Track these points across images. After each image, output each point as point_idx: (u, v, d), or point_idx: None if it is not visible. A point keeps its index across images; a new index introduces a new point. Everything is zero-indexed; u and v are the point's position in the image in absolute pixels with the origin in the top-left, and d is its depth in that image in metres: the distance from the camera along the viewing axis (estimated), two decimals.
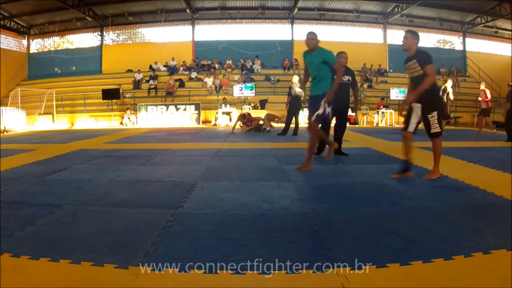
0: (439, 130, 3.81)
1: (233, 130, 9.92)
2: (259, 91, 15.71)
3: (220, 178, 3.93)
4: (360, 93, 13.81)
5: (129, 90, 17.24)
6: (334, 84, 4.07)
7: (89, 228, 2.35)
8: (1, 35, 18.52)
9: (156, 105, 15.21)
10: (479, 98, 9.79)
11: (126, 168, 4.50)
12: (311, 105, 4.21)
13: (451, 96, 9.22)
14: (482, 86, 9.75)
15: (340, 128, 5.63)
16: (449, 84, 9.08)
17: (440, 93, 9.05)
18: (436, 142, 3.89)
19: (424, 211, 2.69)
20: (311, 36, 4.31)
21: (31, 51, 20.86)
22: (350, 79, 5.36)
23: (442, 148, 3.90)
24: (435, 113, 3.73)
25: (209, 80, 17.02)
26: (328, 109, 4.12)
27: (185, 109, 14.81)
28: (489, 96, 9.63)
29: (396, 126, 13.79)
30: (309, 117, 4.23)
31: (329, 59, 4.14)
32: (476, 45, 20.96)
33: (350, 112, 11.94)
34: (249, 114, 10.64)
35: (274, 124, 10.50)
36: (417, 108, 3.76)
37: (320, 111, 4.07)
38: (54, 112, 15.79)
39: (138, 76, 17.76)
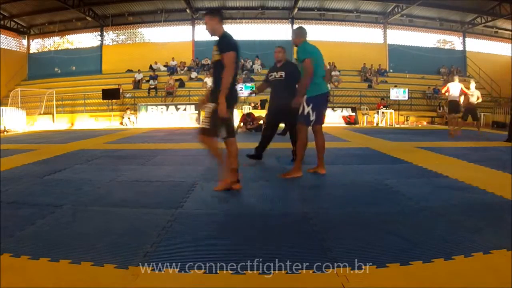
0: (207, 127, 3.14)
1: (237, 131, 9.97)
2: None
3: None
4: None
5: (129, 90, 17.23)
6: (301, 87, 3.78)
7: (89, 228, 2.35)
8: (1, 35, 18.52)
9: (156, 105, 15.20)
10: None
11: (126, 168, 4.50)
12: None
13: (473, 95, 8.95)
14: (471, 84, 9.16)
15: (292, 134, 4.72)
16: (472, 85, 9.03)
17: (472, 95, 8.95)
18: (205, 140, 3.20)
19: (424, 211, 2.69)
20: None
21: (31, 51, 20.84)
22: (283, 75, 4.64)
23: (225, 151, 3.28)
24: (210, 105, 3.14)
25: (209, 80, 16.99)
26: (308, 108, 3.79)
27: (185, 109, 14.82)
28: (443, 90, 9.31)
29: (396, 126, 13.80)
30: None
31: (299, 56, 3.78)
32: (476, 45, 20.96)
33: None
34: (252, 114, 10.73)
35: None
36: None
37: (300, 110, 3.82)
38: (54, 112, 15.79)
39: (138, 76, 17.75)
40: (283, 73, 4.67)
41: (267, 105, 15.07)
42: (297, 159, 3.86)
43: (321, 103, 3.88)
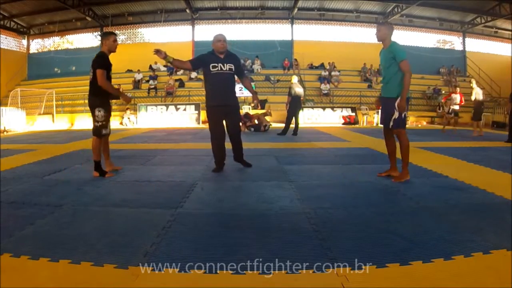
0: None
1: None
2: (259, 91, 15.70)
3: (220, 178, 3.93)
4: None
5: (129, 90, 17.22)
6: (403, 91, 3.54)
7: (89, 228, 2.35)
8: (1, 35, 18.52)
9: (156, 105, 15.21)
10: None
11: (126, 168, 4.50)
12: (384, 108, 3.79)
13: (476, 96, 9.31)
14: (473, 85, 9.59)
15: (234, 136, 4.35)
16: (473, 84, 9.41)
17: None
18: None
19: (424, 211, 2.69)
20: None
21: (31, 51, 20.85)
22: (233, 68, 4.13)
23: None
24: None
25: None
26: (405, 111, 3.65)
27: (185, 109, 14.82)
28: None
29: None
30: (383, 121, 3.80)
31: (397, 55, 3.57)
32: (476, 45, 20.98)
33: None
34: (249, 113, 10.90)
35: (274, 124, 10.63)
36: None
37: (396, 114, 3.61)
38: (54, 112, 15.79)
39: (138, 76, 17.76)
40: (232, 66, 4.13)
41: (266, 106, 15.03)
42: (405, 163, 3.70)
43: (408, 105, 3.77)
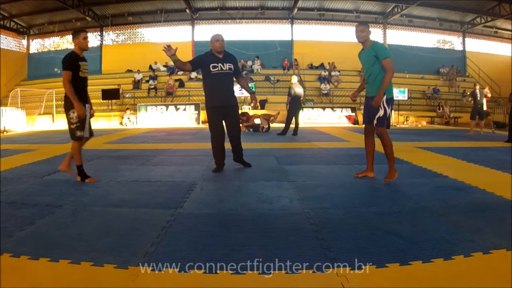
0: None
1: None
2: (259, 91, 15.72)
3: (220, 178, 3.93)
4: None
5: (129, 90, 17.23)
6: (381, 87, 3.51)
7: (89, 228, 2.35)
8: (1, 35, 18.52)
9: (156, 105, 15.20)
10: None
11: (126, 168, 4.50)
12: (368, 107, 3.71)
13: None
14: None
15: (233, 136, 4.38)
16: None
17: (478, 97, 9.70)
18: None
19: (424, 211, 2.69)
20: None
21: (30, 51, 20.85)
22: (232, 67, 4.17)
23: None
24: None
25: None
26: (388, 110, 3.61)
27: (184, 109, 14.82)
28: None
29: (396, 126, 13.79)
30: (366, 120, 3.77)
31: (378, 54, 3.57)
32: (476, 45, 20.98)
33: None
34: (247, 113, 10.90)
35: (274, 125, 10.62)
36: None
37: (381, 113, 3.57)
38: (54, 112, 15.78)
39: (138, 76, 17.76)
40: (231, 66, 4.16)
41: (266, 106, 14.99)
42: (391, 162, 3.65)
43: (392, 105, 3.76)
